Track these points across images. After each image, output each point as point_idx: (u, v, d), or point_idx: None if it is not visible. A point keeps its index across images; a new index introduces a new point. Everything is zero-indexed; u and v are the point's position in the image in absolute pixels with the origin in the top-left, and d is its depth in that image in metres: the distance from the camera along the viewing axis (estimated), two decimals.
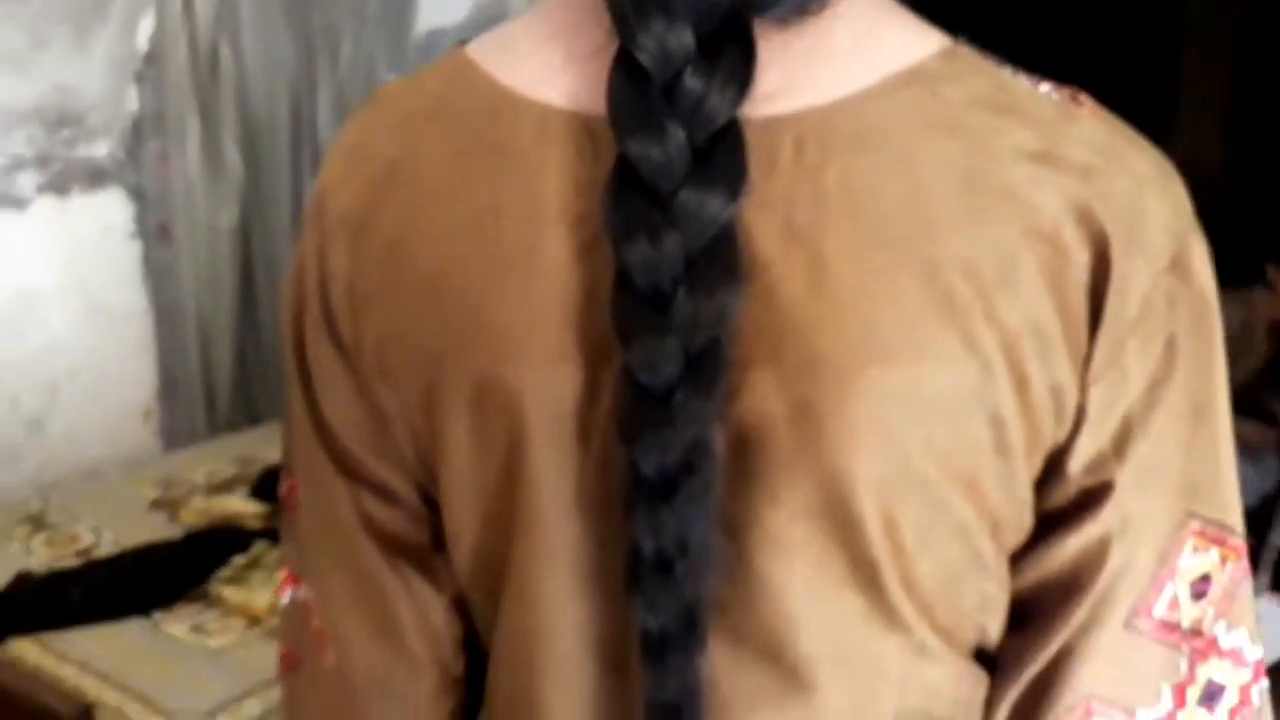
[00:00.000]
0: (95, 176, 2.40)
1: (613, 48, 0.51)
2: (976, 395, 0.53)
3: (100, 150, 2.40)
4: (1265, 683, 0.63)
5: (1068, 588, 0.58)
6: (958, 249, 0.52)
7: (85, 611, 1.82)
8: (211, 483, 2.25)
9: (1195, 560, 0.58)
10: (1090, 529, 0.57)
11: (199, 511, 2.12)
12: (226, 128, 2.49)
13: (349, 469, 0.63)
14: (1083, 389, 0.55)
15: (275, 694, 1.65)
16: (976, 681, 0.61)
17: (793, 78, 0.54)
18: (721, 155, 0.51)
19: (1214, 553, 0.59)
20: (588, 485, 0.56)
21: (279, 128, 2.57)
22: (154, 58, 2.42)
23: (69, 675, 1.71)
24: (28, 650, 1.76)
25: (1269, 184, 3.61)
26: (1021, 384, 0.54)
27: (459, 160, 0.57)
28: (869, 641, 0.57)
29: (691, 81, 0.50)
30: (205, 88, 2.46)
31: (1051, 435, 0.56)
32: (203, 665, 1.74)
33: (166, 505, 2.17)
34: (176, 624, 1.83)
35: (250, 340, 2.60)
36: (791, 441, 0.53)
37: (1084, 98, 0.57)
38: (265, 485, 2.16)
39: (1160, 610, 0.58)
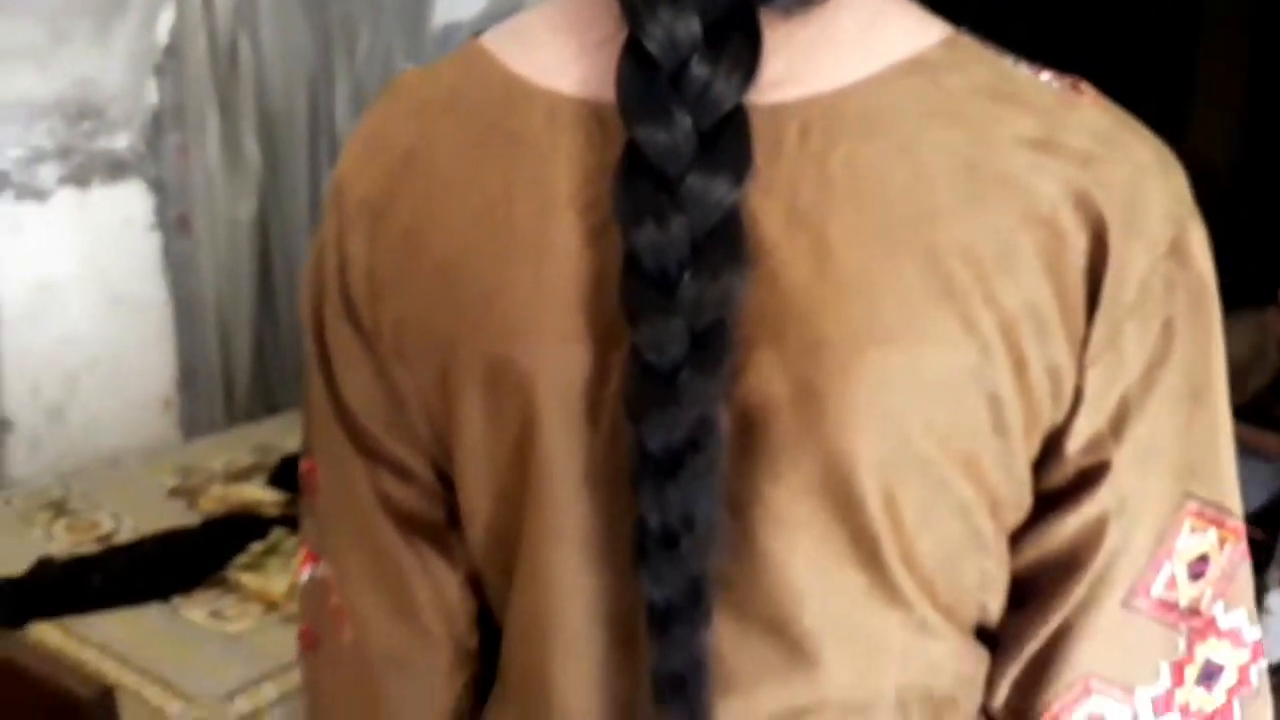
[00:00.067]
0: (115, 168, 2.42)
1: (622, 37, 0.53)
2: (975, 376, 0.54)
3: (120, 142, 2.42)
4: (1264, 663, 0.64)
5: (1066, 567, 0.59)
6: (958, 234, 0.53)
7: (105, 596, 1.84)
8: (230, 471, 2.27)
9: (1193, 541, 0.59)
10: (1088, 508, 0.58)
11: (217, 499, 2.13)
12: (245, 120, 2.50)
13: (367, 448, 0.65)
14: (1080, 371, 0.56)
15: (292, 678, 1.67)
16: (978, 659, 0.62)
17: (798, 66, 0.55)
18: (727, 141, 0.52)
19: (1212, 534, 0.60)
20: (597, 463, 0.57)
21: (297, 120, 2.58)
22: (174, 51, 2.44)
23: (90, 658, 1.73)
24: (49, 634, 1.78)
25: None
26: (1019, 365, 0.55)
27: (473, 149, 0.59)
28: (871, 617, 0.59)
29: (698, 69, 0.51)
30: (224, 81, 2.47)
31: (1050, 416, 0.57)
32: (221, 649, 1.75)
33: (185, 493, 2.18)
34: (195, 609, 1.85)
35: (269, 331, 2.62)
36: (794, 421, 0.54)
37: (1085, 86, 0.58)
38: (283, 474, 2.17)
39: (1158, 590, 0.59)
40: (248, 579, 1.90)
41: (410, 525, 0.66)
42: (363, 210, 0.62)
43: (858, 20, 0.56)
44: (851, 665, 0.59)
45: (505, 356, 0.57)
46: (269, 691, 1.68)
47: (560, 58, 0.58)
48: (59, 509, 2.12)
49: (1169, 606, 0.60)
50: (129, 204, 2.45)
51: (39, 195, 2.32)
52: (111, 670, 1.70)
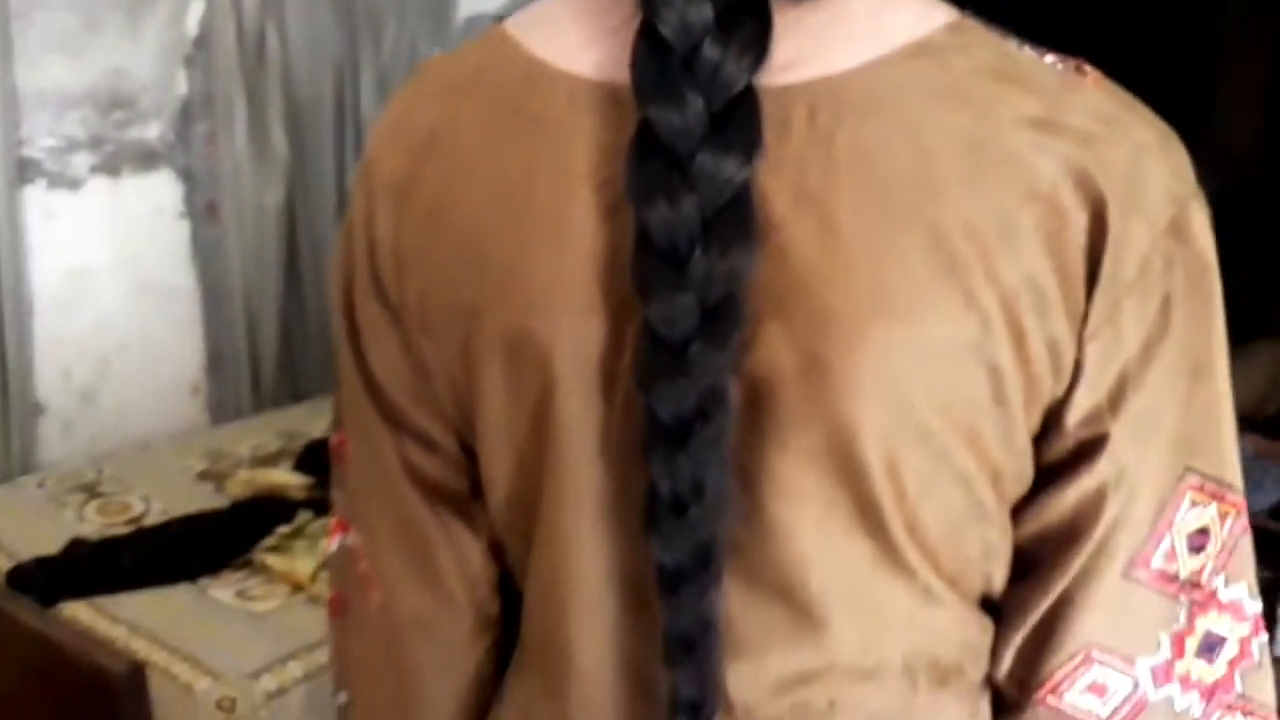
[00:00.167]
0: (146, 158, 2.45)
1: (637, 21, 0.54)
2: (975, 348, 0.56)
3: (151, 132, 2.45)
4: (1265, 637, 0.65)
5: (1066, 538, 0.60)
6: (961, 211, 0.55)
7: (135, 576, 1.87)
8: (256, 455, 2.30)
9: (1193, 514, 0.60)
10: (1086, 480, 0.59)
11: (244, 483, 2.16)
12: (273, 110, 2.52)
13: (395, 420, 0.67)
14: (1079, 345, 0.57)
15: (317, 657, 1.69)
16: (982, 629, 0.64)
17: (807, 50, 0.56)
18: (737, 121, 0.53)
19: (1212, 508, 0.61)
20: (612, 433, 0.59)
21: (323, 110, 2.60)
22: (203, 42, 2.46)
23: (120, 636, 1.76)
24: (81, 612, 1.81)
25: None
26: (1019, 338, 0.56)
27: (495, 130, 0.61)
28: (878, 585, 0.60)
29: (710, 51, 0.53)
30: (252, 71, 2.50)
31: (1050, 389, 0.58)
32: (247, 628, 1.78)
33: (213, 476, 2.21)
34: (222, 589, 1.88)
35: (295, 318, 2.63)
36: (801, 392, 0.56)
37: (1088, 68, 0.59)
38: (308, 458, 2.20)
39: (1158, 561, 0.60)
40: (274, 561, 1.93)
41: (435, 494, 0.68)
42: (388, 190, 0.64)
43: (867, 5, 0.57)
44: (858, 631, 0.61)
45: (525, 329, 0.59)
46: (294, 670, 1.71)
47: (579, 42, 0.60)
48: (90, 491, 2.16)
49: (1169, 578, 0.61)
50: (159, 193, 2.48)
51: (72, 184, 2.35)
52: (141, 647, 1.73)
